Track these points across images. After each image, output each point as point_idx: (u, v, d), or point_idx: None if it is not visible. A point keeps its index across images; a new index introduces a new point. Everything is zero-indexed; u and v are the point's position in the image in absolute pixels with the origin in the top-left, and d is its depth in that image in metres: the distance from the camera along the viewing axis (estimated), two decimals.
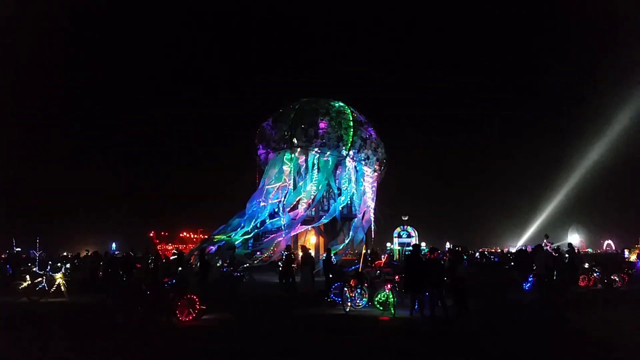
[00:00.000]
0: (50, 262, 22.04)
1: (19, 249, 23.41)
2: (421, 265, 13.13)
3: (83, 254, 26.21)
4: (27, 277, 16.95)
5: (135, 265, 22.06)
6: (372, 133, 34.30)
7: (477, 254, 42.16)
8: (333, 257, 21.10)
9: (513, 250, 43.53)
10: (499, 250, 51.53)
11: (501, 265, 31.13)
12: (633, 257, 32.48)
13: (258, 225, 32.29)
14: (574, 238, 55.16)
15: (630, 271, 21.63)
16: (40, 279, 16.91)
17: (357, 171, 34.01)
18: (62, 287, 17.01)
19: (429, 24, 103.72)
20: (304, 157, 33.22)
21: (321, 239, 34.60)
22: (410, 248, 16.32)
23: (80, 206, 60.33)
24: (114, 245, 38.89)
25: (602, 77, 79.13)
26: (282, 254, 22.52)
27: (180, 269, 20.56)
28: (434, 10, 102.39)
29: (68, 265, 24.36)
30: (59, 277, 17.19)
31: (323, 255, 22.83)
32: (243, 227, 31.96)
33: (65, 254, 34.01)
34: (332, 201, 34.02)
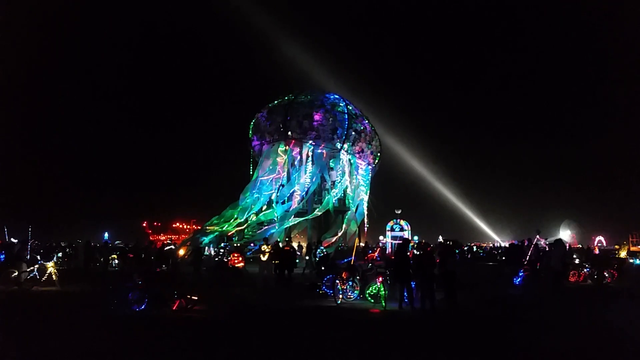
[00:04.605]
0: (42, 251, 22.00)
1: (15, 240, 23.23)
2: (409, 257, 13.40)
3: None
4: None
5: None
6: (367, 126, 34.30)
7: (466, 248, 42.42)
8: (323, 249, 20.95)
9: (505, 245, 43.69)
10: (491, 245, 51.81)
11: (487, 260, 31.42)
12: (623, 254, 32.75)
13: (251, 216, 32.30)
14: (566, 234, 55.46)
15: (620, 267, 21.80)
16: (31, 267, 16.86)
17: (351, 164, 34.03)
18: (54, 276, 16.96)
19: (424, 14, 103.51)
20: (298, 149, 33.19)
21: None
22: (401, 241, 16.38)
23: (72, 195, 60.10)
24: (106, 234, 38.72)
25: (605, 73, 79.30)
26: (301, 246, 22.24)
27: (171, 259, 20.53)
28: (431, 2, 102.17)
29: (60, 254, 24.30)
30: (50, 266, 17.13)
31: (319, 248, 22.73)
32: (236, 219, 31.97)
33: (62, 244, 33.89)
34: (325, 193, 34.01)
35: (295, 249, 21.23)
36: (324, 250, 20.50)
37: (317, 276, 18.32)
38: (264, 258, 19.44)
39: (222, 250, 24.03)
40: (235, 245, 26.65)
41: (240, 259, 20.18)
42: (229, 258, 21.59)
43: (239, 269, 20.05)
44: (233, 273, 19.58)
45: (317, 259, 19.44)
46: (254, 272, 20.28)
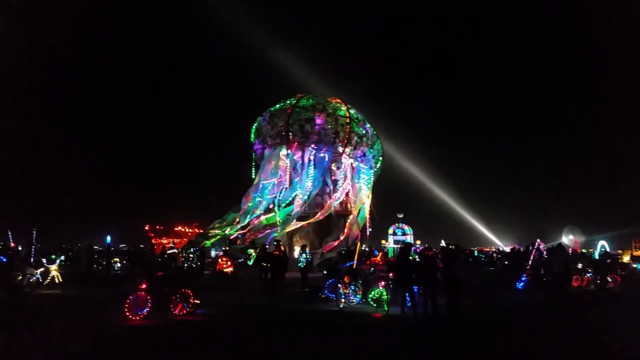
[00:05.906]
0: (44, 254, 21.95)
1: (20, 248, 23.23)
2: (410, 262, 13.45)
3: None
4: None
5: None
6: (369, 130, 34.31)
7: (468, 253, 42.36)
8: (307, 254, 19.76)
9: (507, 250, 43.58)
10: (494, 250, 51.68)
11: (489, 265, 31.38)
12: (626, 259, 32.67)
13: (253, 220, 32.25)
14: (569, 239, 55.26)
15: (623, 272, 21.77)
16: (36, 270, 16.89)
17: (353, 168, 34.02)
18: (57, 280, 17.00)
19: (425, 19, 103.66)
20: (300, 153, 33.19)
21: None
22: (402, 246, 16.34)
23: (74, 198, 60.18)
24: (108, 238, 38.67)
25: (609, 74, 79.16)
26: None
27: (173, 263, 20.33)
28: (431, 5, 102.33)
29: (63, 257, 24.31)
30: (53, 270, 17.17)
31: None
32: (238, 222, 31.94)
33: (64, 246, 33.90)
34: (327, 197, 33.96)
35: (286, 253, 19.15)
36: (308, 256, 19.33)
37: (301, 282, 17.96)
38: (250, 263, 18.67)
39: (191, 256, 23.24)
40: (225, 249, 26.27)
41: (229, 263, 19.70)
42: (217, 262, 20.90)
43: (227, 274, 19.52)
44: (220, 278, 18.90)
45: (302, 265, 18.67)
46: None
